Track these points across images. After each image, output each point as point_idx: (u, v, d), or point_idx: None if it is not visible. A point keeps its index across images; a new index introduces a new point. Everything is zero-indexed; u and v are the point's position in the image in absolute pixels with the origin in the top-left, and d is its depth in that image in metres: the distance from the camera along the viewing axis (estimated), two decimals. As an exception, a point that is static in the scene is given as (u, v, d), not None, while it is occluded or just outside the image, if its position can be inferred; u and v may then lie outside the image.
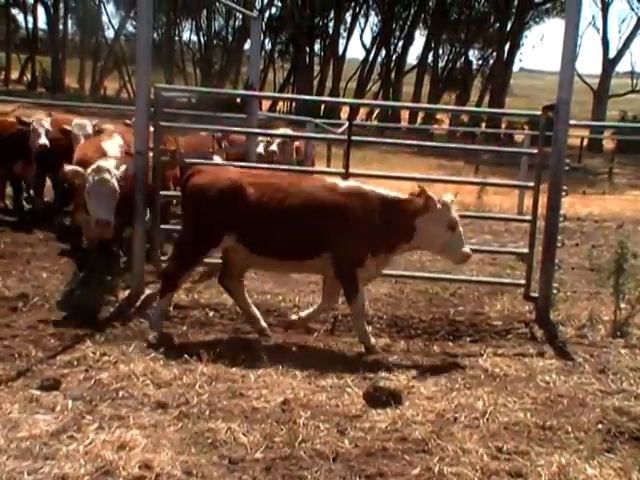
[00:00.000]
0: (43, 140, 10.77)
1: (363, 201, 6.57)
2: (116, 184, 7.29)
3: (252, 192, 6.54)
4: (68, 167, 7.43)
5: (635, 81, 59.30)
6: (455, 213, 6.60)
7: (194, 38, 66.12)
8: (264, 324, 6.93)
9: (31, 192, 12.33)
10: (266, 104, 46.13)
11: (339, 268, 6.58)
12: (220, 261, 7.06)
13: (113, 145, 8.51)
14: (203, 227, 6.67)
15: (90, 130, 10.17)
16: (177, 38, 64.86)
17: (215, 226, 6.61)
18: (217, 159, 10.48)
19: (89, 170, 7.27)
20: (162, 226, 8.09)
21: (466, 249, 6.63)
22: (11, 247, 9.69)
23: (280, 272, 7.90)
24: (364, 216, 6.51)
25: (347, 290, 6.64)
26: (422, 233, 6.58)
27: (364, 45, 62.99)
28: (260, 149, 11.64)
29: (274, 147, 12.02)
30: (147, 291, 7.71)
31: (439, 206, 6.48)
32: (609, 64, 52.77)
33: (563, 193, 7.55)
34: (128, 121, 10.70)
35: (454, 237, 6.59)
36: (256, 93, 10.49)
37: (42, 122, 11.00)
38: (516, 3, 55.82)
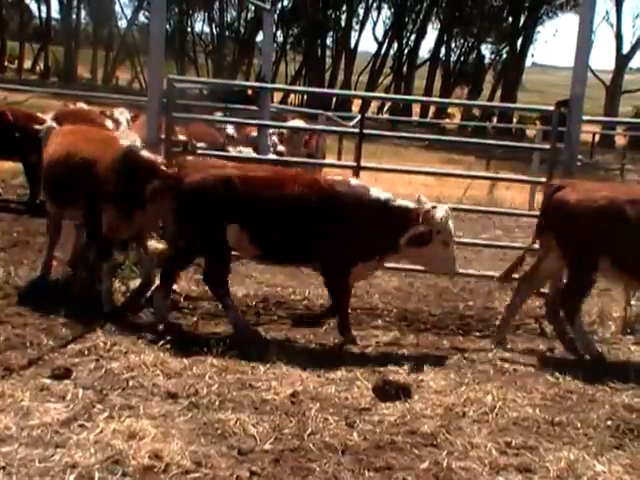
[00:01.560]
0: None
1: None
2: None
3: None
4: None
5: (649, 77, 58.97)
6: None
7: (206, 29, 66.15)
8: (506, 335, 6.89)
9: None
10: (277, 96, 46.16)
11: None
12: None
13: None
14: (577, 250, 6.38)
15: None
16: (189, 29, 64.91)
17: (590, 249, 6.31)
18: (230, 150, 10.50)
19: (443, 213, 6.10)
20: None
21: None
22: (24, 236, 9.73)
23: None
24: None
25: None
26: None
27: (376, 38, 62.89)
28: (281, 148, 11.62)
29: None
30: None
31: None
32: (622, 59, 52.44)
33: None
34: None
35: None
36: (268, 85, 10.49)
37: (50, 129, 10.79)
38: (530, -3, 55.52)
